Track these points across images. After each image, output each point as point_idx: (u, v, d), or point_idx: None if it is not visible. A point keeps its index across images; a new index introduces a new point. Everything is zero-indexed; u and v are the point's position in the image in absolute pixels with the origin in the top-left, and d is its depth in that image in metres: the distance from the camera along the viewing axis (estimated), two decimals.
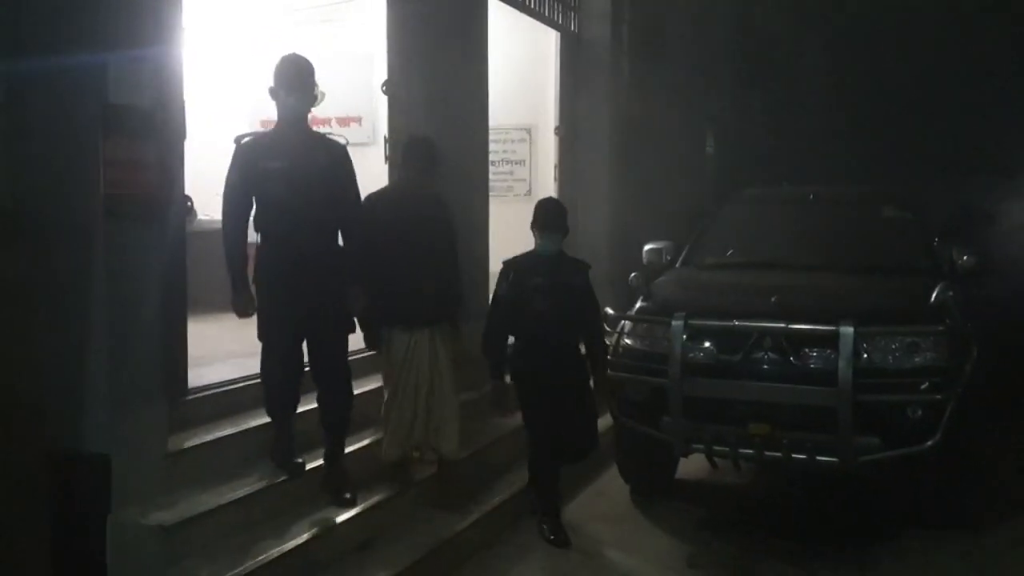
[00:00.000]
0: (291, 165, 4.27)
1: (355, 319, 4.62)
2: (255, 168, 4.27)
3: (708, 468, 5.52)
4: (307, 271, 4.30)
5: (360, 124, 10.32)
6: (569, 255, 5.28)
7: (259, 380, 4.93)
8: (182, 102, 4.35)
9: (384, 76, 9.93)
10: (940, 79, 10.31)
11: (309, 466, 4.58)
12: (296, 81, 4.33)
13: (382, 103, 10.07)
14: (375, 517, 4.62)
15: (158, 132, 4.05)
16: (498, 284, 5.15)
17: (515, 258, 5.20)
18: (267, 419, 4.65)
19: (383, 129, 10.07)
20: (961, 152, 10.30)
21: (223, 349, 5.51)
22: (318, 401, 4.59)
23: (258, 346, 5.92)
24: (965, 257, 5.73)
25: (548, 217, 5.10)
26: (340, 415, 4.59)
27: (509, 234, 7.41)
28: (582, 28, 9.10)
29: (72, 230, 3.83)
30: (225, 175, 4.34)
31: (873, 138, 10.32)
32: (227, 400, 4.73)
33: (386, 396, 4.95)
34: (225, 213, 4.32)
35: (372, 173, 9.78)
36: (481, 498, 5.25)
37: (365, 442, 5.08)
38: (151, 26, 4.03)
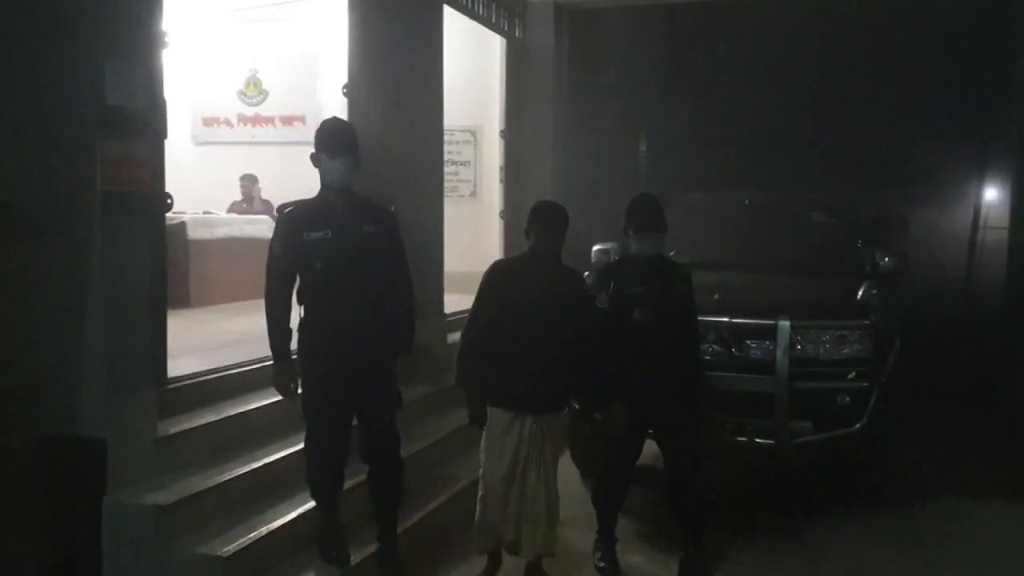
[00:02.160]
0: (335, 235, 4.05)
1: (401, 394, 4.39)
2: (298, 238, 4.06)
3: (657, 453, 5.83)
4: (352, 344, 4.10)
5: (304, 123, 10.48)
6: (669, 258, 4.81)
7: (233, 372, 5.20)
8: (164, 103, 4.54)
9: (330, 76, 10.17)
10: (860, 92, 10.91)
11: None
12: (339, 145, 4.11)
13: (327, 102, 10.30)
14: None
15: (150, 132, 4.26)
16: (596, 295, 4.59)
17: (612, 263, 4.86)
18: (246, 407, 4.90)
19: None
20: (878, 162, 10.94)
21: (187, 343, 5.68)
22: (368, 478, 4.41)
23: (227, 339, 6.20)
24: (887, 259, 6.26)
25: (644, 214, 4.57)
26: (391, 492, 4.40)
27: (454, 234, 7.73)
28: (526, 34, 9.43)
29: (69, 225, 4.02)
30: (269, 244, 4.20)
31: (798, 147, 10.87)
32: (203, 390, 4.91)
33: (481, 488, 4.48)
34: (268, 284, 4.14)
35: (314, 173, 9.98)
36: None
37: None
38: (142, 33, 4.25)
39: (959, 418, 8.01)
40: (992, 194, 11.45)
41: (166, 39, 4.50)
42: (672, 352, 4.56)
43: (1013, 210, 9.19)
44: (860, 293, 5.77)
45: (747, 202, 6.98)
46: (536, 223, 4.33)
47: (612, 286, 4.54)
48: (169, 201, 4.64)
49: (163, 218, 4.68)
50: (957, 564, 5.04)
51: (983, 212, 11.58)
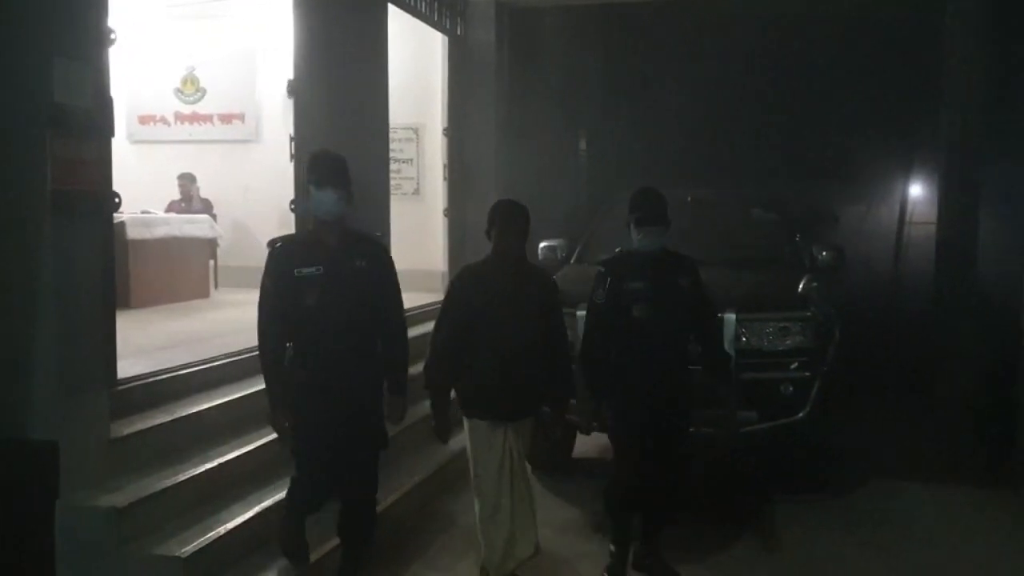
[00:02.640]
0: (327, 270, 3.97)
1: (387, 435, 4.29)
2: (287, 275, 3.97)
3: (606, 446, 5.83)
4: (342, 383, 4.02)
5: (243, 121, 10.37)
6: (672, 251, 4.59)
7: (184, 372, 5.14)
8: (111, 101, 4.48)
9: (270, 73, 10.08)
10: (794, 92, 11.19)
11: None
12: (326, 176, 3.98)
13: (266, 100, 10.23)
14: None
15: (99, 130, 4.20)
16: (593, 290, 4.53)
17: (611, 259, 4.71)
18: (199, 407, 4.85)
19: (267, 126, 10.24)
20: (812, 159, 11.24)
21: (132, 344, 5.58)
22: (339, 516, 4.28)
23: (172, 340, 6.12)
24: (824, 253, 6.46)
25: (646, 208, 4.43)
26: (363, 534, 4.32)
27: (397, 232, 7.72)
28: (468, 33, 9.46)
29: (19, 225, 3.95)
30: (261, 281, 4.07)
31: (735, 145, 11.10)
32: (154, 390, 4.84)
33: (477, 507, 4.36)
34: (260, 324, 4.03)
35: (253, 171, 9.95)
36: None
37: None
38: (89, 30, 4.20)
39: (895, 405, 8.29)
40: (917, 191, 11.85)
41: (112, 36, 4.44)
42: (673, 351, 4.46)
43: (940, 206, 9.51)
44: (800, 286, 5.95)
45: (689, 199, 7.12)
46: (495, 223, 4.24)
47: (609, 282, 4.43)
48: (117, 200, 4.57)
49: (111, 218, 4.62)
50: (899, 543, 5.24)
51: (909, 208, 11.98)
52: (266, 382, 4.03)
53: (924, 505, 5.91)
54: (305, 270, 3.94)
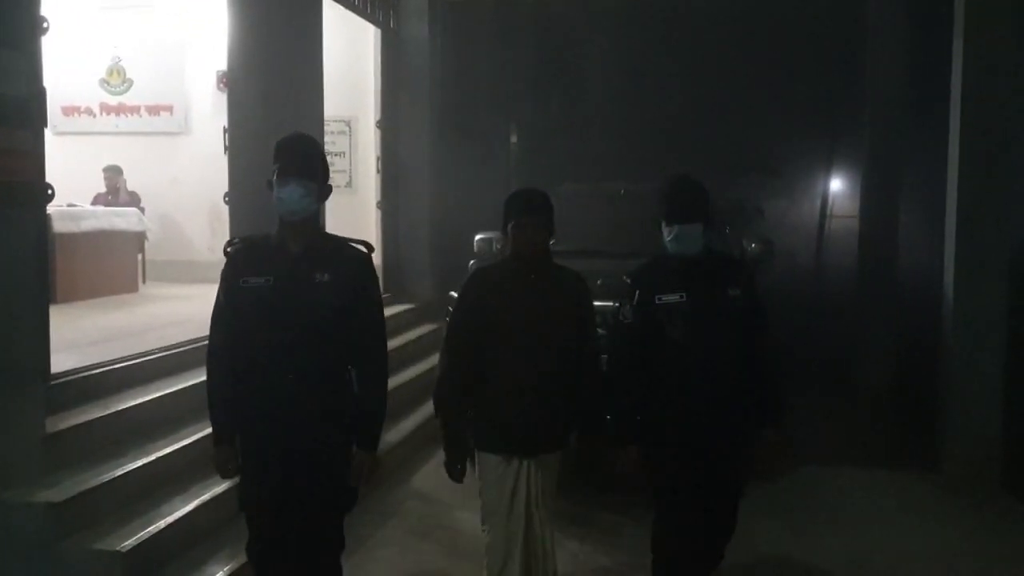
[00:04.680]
0: (277, 282, 3.20)
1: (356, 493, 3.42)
2: (236, 284, 3.23)
3: None
4: (285, 426, 3.20)
5: (171, 113, 10.23)
6: (720, 255, 3.79)
7: (118, 366, 5.09)
8: (44, 91, 4.40)
9: (198, 64, 9.95)
10: (721, 86, 11.41)
11: None
12: (289, 165, 3.19)
13: (195, 91, 10.09)
14: None
15: (32, 120, 4.13)
16: (619, 307, 3.69)
17: (640, 266, 3.73)
18: (135, 400, 4.80)
19: (196, 118, 10.10)
20: (736, 154, 11.49)
21: (63, 339, 5.47)
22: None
23: (104, 335, 6.02)
24: (753, 245, 6.63)
25: (677, 200, 3.53)
26: None
27: (330, 225, 7.65)
28: (400, 25, 9.46)
29: None
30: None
31: (665, 139, 11.28)
32: (89, 385, 4.80)
33: (486, 563, 3.68)
34: (209, 342, 3.32)
35: (182, 163, 9.81)
36: None
37: None
38: (22, 18, 4.13)
39: (818, 395, 8.56)
40: (838, 185, 12.21)
41: (45, 25, 4.36)
42: (722, 381, 3.52)
43: (862, 201, 9.84)
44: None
45: (623, 192, 7.23)
46: (510, 215, 3.50)
47: (638, 295, 3.58)
48: (50, 192, 4.49)
49: (44, 209, 4.54)
50: (826, 529, 5.43)
51: (830, 202, 12.33)
52: (210, 412, 3.35)
53: (848, 492, 6.14)
54: (252, 280, 3.20)
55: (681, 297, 3.51)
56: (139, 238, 8.98)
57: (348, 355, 3.30)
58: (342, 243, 3.37)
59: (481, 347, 3.51)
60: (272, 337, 3.18)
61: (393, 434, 6.50)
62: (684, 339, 3.49)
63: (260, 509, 3.29)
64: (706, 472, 3.55)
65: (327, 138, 9.35)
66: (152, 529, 4.07)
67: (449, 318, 3.70)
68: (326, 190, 3.30)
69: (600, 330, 5.58)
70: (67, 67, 9.86)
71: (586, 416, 3.64)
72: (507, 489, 3.55)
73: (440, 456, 3.72)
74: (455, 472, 3.63)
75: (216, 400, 3.32)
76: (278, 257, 3.24)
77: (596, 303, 5.44)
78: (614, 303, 5.30)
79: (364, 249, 3.37)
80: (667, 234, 3.54)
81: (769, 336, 3.67)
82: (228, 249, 3.32)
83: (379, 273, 9.08)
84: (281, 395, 3.19)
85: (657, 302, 3.53)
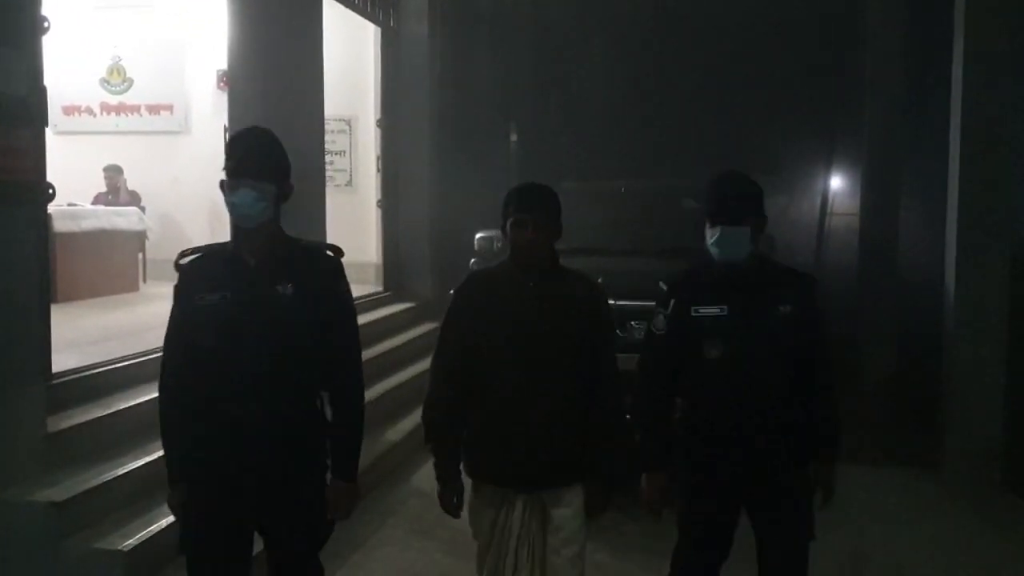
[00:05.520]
0: (233, 297, 2.83)
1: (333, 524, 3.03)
2: (190, 301, 2.87)
3: None
4: (244, 453, 2.83)
5: (172, 112, 10.24)
6: (773, 260, 3.37)
7: (119, 365, 5.09)
8: (44, 90, 4.40)
9: (199, 63, 9.95)
10: (722, 85, 11.42)
11: None
12: (240, 165, 2.80)
13: (195, 90, 10.09)
14: None
15: (33, 119, 4.14)
16: (652, 317, 3.22)
17: (678, 273, 3.28)
18: (136, 400, 4.79)
19: (196, 117, 10.11)
20: (736, 151, 11.48)
21: (64, 338, 5.47)
22: None
23: (104, 334, 6.03)
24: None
25: (721, 200, 3.08)
26: None
27: (330, 224, 7.68)
28: (400, 24, 9.46)
29: None
30: None
31: (662, 137, 11.29)
32: (91, 384, 4.81)
33: None
34: (162, 375, 2.94)
35: (182, 163, 9.81)
36: None
37: None
38: (23, 17, 4.14)
39: None
40: (838, 183, 12.21)
41: (46, 24, 4.37)
42: (762, 413, 3.07)
43: (863, 198, 9.84)
44: None
45: (623, 190, 7.23)
46: (509, 213, 3.04)
47: (672, 304, 3.13)
48: (51, 191, 4.51)
49: (45, 208, 4.55)
50: (827, 526, 5.33)
51: (830, 199, 12.33)
52: (165, 448, 3.00)
53: (851, 488, 6.11)
54: (208, 297, 2.83)
55: (721, 310, 3.07)
56: (139, 237, 8.99)
57: (318, 377, 2.93)
58: (307, 249, 2.99)
59: (472, 363, 3.05)
60: (232, 361, 2.81)
61: (393, 433, 6.52)
62: (721, 358, 3.05)
63: (209, 550, 2.90)
64: (750, 488, 3.14)
65: (328, 137, 9.40)
66: (154, 528, 4.07)
67: (440, 329, 3.19)
68: (286, 190, 2.89)
69: (620, 332, 5.64)
70: (67, 66, 9.86)
71: (600, 443, 3.11)
72: (499, 529, 3.10)
73: None
74: (451, 507, 3.21)
75: (171, 438, 2.93)
76: (234, 269, 2.86)
77: None
78: (613, 302, 5.30)
79: (332, 254, 2.99)
80: (709, 237, 3.08)
81: (828, 364, 3.25)
82: (180, 262, 2.93)
83: (379, 272, 9.33)
84: (241, 419, 2.80)
85: (694, 314, 3.09)
